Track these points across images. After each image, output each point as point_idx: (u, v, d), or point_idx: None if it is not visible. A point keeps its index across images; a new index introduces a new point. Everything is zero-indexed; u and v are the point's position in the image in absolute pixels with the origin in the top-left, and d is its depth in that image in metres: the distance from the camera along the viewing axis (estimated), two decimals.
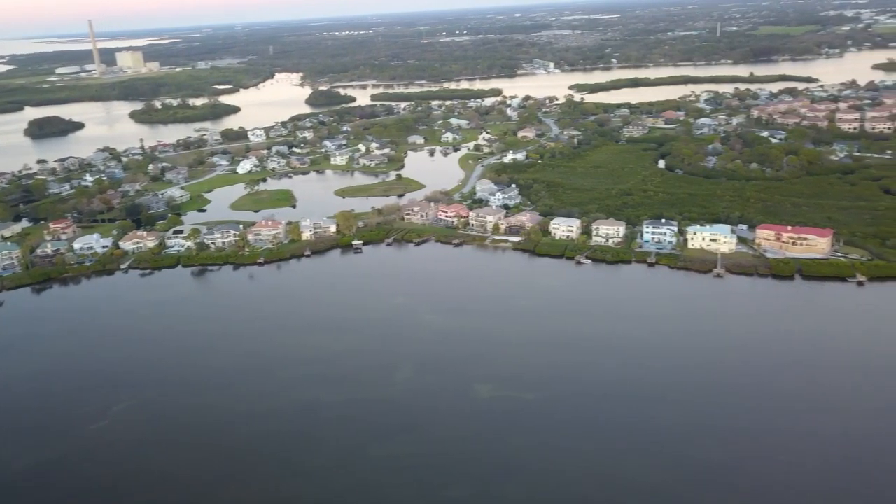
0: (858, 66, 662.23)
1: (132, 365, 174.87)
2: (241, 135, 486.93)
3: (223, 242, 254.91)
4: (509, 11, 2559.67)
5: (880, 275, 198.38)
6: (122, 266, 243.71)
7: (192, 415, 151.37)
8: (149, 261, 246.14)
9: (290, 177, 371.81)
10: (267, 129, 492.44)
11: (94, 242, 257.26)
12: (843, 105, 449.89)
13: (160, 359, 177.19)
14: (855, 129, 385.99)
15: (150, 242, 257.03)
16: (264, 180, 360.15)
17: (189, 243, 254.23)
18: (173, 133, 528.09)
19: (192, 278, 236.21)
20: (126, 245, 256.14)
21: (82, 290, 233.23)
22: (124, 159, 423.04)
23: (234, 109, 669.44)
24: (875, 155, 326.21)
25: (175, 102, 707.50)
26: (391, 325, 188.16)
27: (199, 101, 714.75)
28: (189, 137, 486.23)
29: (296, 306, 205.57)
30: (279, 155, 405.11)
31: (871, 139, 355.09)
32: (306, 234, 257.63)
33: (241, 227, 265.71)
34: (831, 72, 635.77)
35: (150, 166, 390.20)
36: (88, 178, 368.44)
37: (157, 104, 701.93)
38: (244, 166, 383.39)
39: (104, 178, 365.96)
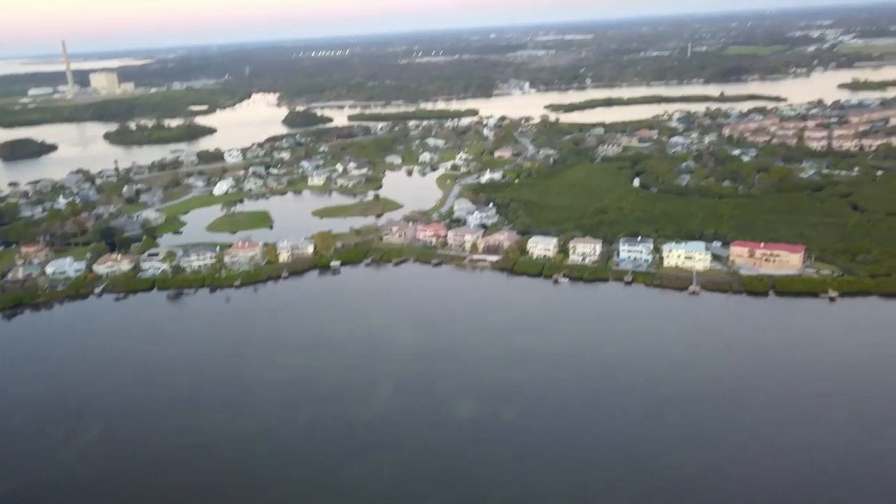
0: (825, 86, 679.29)
1: (104, 391, 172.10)
2: (217, 156, 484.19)
3: (199, 265, 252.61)
4: (484, 32, 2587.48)
5: (851, 290, 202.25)
6: (96, 290, 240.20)
7: (164, 441, 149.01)
8: (123, 284, 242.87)
9: (268, 198, 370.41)
10: (244, 150, 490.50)
11: (67, 266, 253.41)
12: (811, 123, 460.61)
13: (133, 384, 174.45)
14: (823, 146, 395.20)
15: (125, 266, 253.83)
16: (241, 201, 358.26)
17: (164, 266, 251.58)
18: (148, 154, 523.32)
19: (167, 302, 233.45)
20: (100, 268, 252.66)
21: (54, 315, 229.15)
22: (98, 181, 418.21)
23: (211, 130, 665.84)
24: (843, 172, 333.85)
25: (150, 124, 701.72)
26: (369, 345, 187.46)
27: (174, 123, 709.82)
28: (164, 159, 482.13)
29: (272, 328, 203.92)
30: (256, 176, 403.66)
31: (838, 157, 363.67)
32: (283, 256, 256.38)
33: (218, 248, 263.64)
34: (799, 91, 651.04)
35: (125, 188, 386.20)
36: (61, 201, 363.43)
37: (132, 125, 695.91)
38: (221, 188, 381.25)
39: (78, 201, 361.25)
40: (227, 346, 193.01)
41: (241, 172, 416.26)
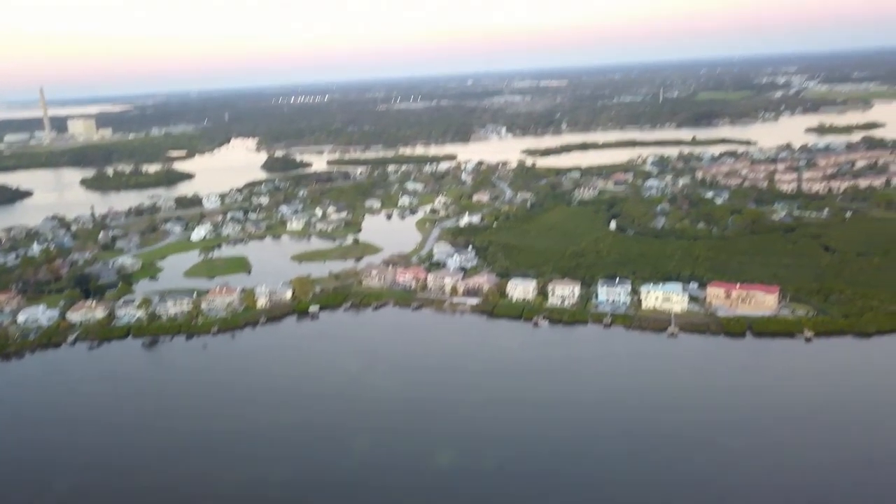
0: (792, 130, 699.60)
1: (76, 443, 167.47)
2: (195, 201, 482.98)
3: (176, 311, 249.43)
4: (461, 79, 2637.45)
5: (826, 330, 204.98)
6: (69, 338, 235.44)
7: (138, 497, 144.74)
8: (97, 332, 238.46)
9: (246, 243, 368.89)
10: (222, 195, 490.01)
11: (40, 314, 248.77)
12: (780, 166, 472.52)
13: (106, 436, 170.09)
14: (793, 189, 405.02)
15: (99, 313, 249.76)
16: (219, 247, 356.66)
17: (140, 313, 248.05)
18: (125, 200, 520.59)
19: (142, 350, 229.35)
20: (73, 316, 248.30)
21: (25, 364, 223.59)
22: (74, 227, 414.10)
23: (189, 176, 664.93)
24: (813, 214, 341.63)
25: (128, 169, 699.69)
26: (349, 393, 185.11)
27: (152, 168, 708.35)
28: (142, 204, 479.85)
29: (248, 377, 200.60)
30: (234, 221, 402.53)
31: (808, 199, 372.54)
32: (261, 301, 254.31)
33: (195, 294, 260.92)
34: (768, 134, 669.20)
35: (101, 234, 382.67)
36: (35, 248, 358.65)
37: (109, 171, 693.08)
38: (198, 233, 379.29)
39: (52, 247, 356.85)
40: (203, 397, 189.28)
41: (220, 217, 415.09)
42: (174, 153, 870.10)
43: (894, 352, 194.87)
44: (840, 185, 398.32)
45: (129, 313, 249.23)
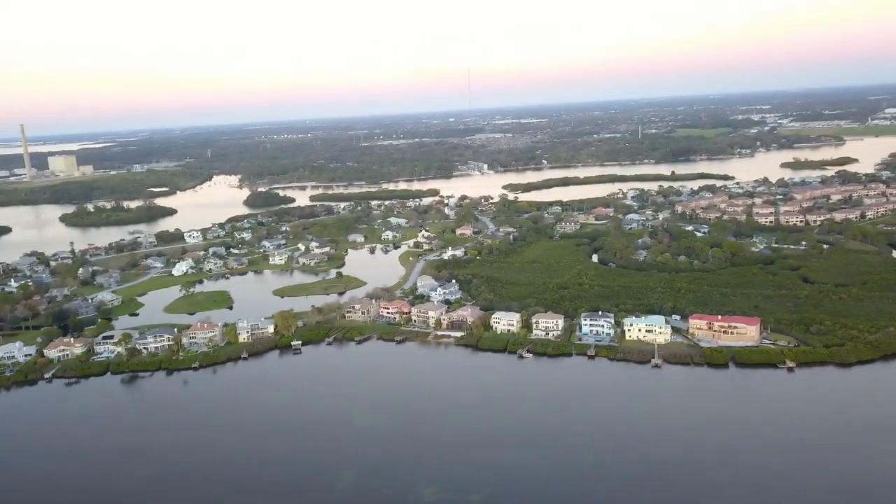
0: (768, 165, 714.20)
1: (52, 483, 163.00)
2: (177, 237, 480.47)
3: (156, 347, 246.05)
4: (443, 116, 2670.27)
5: (808, 360, 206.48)
6: (46, 375, 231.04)
7: None
8: (75, 369, 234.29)
9: (228, 278, 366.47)
10: (204, 231, 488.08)
11: (16, 351, 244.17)
12: (758, 200, 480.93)
13: (83, 475, 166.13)
14: (771, 222, 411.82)
15: (78, 349, 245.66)
16: (200, 282, 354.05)
17: (120, 349, 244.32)
18: (106, 236, 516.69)
19: (121, 386, 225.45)
20: (51, 353, 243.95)
21: (0, 402, 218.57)
22: (53, 263, 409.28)
23: (171, 212, 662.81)
24: (791, 246, 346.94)
25: (108, 205, 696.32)
26: (331, 429, 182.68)
27: (133, 204, 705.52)
28: (122, 240, 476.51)
29: (229, 412, 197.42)
30: (216, 256, 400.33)
31: (786, 231, 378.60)
32: (243, 336, 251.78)
33: (176, 330, 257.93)
34: (745, 170, 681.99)
35: (80, 270, 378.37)
36: (13, 284, 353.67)
37: (90, 207, 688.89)
38: (180, 268, 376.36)
39: (30, 284, 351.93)
40: (184, 433, 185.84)
41: (201, 253, 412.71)
42: (156, 189, 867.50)
43: (875, 381, 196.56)
44: (816, 219, 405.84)
45: (108, 349, 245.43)
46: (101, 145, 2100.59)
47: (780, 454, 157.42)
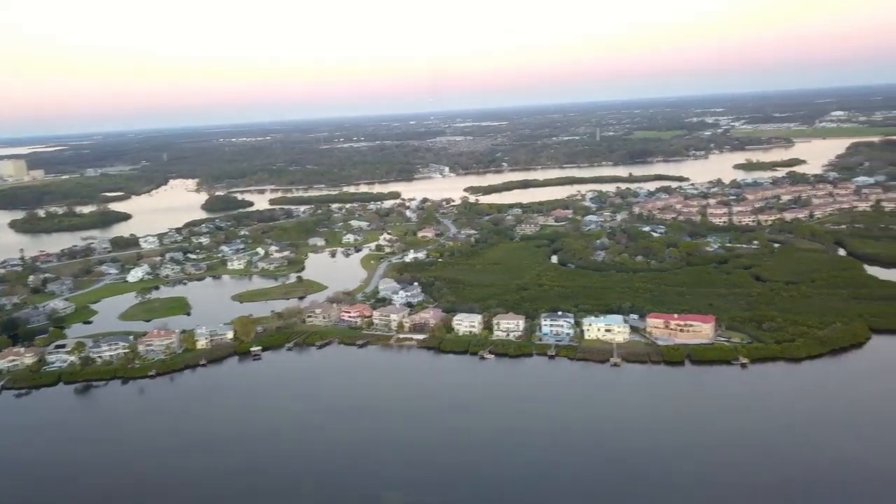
0: (721, 166, 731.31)
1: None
2: (132, 242, 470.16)
3: (111, 355, 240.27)
4: (404, 119, 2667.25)
5: (760, 356, 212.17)
6: None
7: None
8: (26, 379, 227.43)
9: (185, 283, 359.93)
10: (160, 236, 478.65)
11: None
12: (712, 201, 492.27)
13: (33, 490, 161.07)
14: (724, 222, 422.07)
15: (28, 359, 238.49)
16: (157, 288, 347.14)
17: (72, 358, 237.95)
18: (58, 242, 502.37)
19: (74, 396, 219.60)
20: (0, 363, 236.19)
21: None
22: (1, 271, 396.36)
23: (125, 217, 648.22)
24: (744, 245, 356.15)
25: (60, 210, 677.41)
26: (292, 435, 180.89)
27: (86, 209, 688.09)
28: (75, 246, 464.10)
29: (187, 421, 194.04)
30: (173, 261, 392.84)
31: (739, 231, 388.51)
32: (202, 343, 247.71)
33: (131, 338, 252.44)
34: (699, 171, 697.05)
35: (31, 277, 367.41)
36: None
37: (41, 213, 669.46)
38: (135, 274, 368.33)
39: None
40: (139, 443, 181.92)
41: (158, 258, 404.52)
42: (110, 194, 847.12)
43: (824, 375, 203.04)
44: (767, 219, 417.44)
45: (60, 358, 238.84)
46: (52, 149, 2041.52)
47: (735, 449, 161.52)
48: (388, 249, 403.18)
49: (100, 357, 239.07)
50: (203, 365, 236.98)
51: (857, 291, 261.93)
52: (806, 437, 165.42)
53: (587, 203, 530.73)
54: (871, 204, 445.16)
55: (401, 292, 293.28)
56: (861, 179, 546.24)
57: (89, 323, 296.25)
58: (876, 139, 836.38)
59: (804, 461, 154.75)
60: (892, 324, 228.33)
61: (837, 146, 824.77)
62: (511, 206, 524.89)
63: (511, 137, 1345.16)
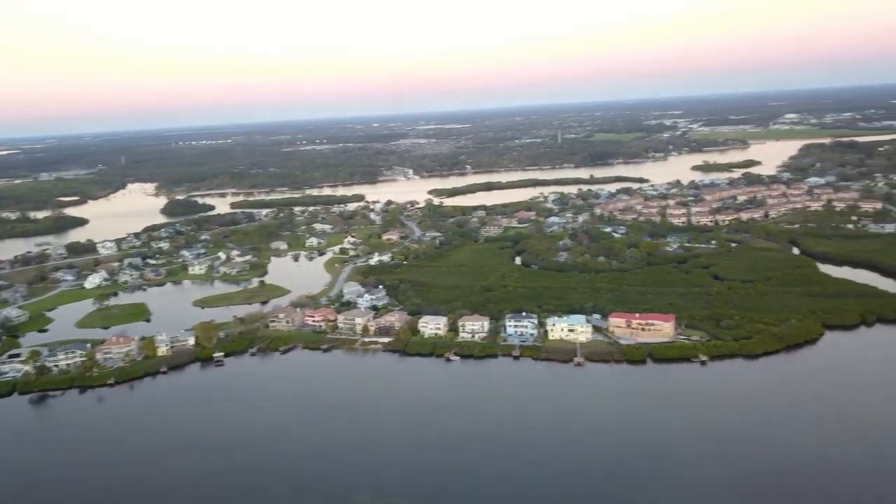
0: (680, 168, 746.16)
1: None
2: (89, 248, 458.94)
3: (68, 364, 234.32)
4: (367, 121, 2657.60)
5: (719, 353, 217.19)
6: None
7: None
8: None
9: (145, 289, 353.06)
10: (118, 241, 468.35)
11: None
12: (671, 202, 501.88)
13: None
14: (683, 222, 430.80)
15: None
16: (115, 294, 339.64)
17: (27, 367, 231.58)
18: (11, 249, 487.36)
19: (29, 407, 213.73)
20: None
21: None
22: None
23: (82, 222, 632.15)
24: (703, 245, 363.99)
25: (13, 216, 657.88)
26: (258, 442, 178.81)
27: (41, 214, 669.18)
28: (29, 253, 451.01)
29: (147, 429, 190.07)
30: (132, 267, 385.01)
31: (697, 231, 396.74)
32: (162, 349, 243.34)
33: (89, 345, 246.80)
34: (658, 172, 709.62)
35: None
36: None
37: None
38: (92, 281, 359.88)
39: None
40: (99, 452, 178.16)
41: (116, 264, 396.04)
42: (65, 199, 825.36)
43: (780, 371, 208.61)
44: (725, 219, 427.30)
45: (14, 368, 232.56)
46: (3, 153, 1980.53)
47: (696, 445, 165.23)
48: (352, 252, 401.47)
49: (56, 366, 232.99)
50: (164, 372, 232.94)
51: (810, 289, 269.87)
52: (763, 433, 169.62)
53: (549, 205, 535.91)
54: (822, 204, 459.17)
55: (365, 295, 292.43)
56: (813, 180, 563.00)
57: (45, 331, 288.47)
58: (826, 141, 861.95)
59: (762, 456, 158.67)
60: (843, 320, 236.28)
61: (790, 148, 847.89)
62: (475, 208, 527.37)
63: (474, 140, 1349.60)
